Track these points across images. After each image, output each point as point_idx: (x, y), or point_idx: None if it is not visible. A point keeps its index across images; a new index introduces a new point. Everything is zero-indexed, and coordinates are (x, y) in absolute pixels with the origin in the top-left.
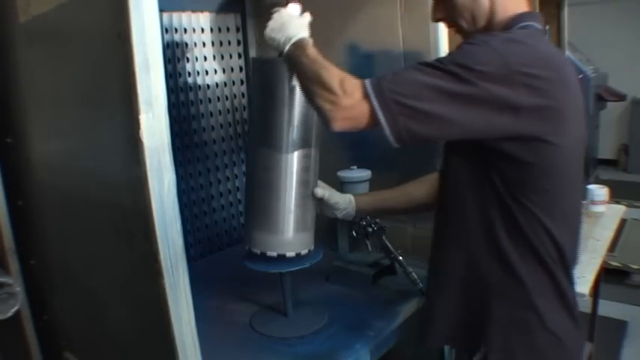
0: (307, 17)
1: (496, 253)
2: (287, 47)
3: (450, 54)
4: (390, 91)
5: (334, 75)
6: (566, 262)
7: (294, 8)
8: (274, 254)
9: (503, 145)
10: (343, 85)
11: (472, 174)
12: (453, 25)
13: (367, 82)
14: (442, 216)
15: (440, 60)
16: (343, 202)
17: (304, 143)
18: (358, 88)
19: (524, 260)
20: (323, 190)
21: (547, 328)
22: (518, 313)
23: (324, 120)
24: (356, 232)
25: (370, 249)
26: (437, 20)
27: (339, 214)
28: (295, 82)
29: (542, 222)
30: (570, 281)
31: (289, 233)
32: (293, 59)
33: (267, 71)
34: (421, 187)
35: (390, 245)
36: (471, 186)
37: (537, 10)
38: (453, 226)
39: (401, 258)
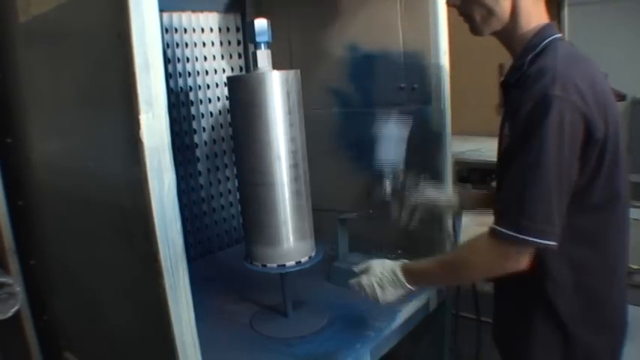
0: (395, 267)
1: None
2: (409, 287)
3: (524, 134)
4: (525, 219)
5: (462, 256)
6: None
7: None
8: (274, 265)
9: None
10: (479, 251)
11: None
12: (463, 14)
13: (503, 230)
14: None
15: (531, 147)
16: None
17: (291, 154)
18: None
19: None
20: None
21: None
22: None
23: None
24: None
25: (392, 215)
26: (451, 5)
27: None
28: None
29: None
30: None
31: (287, 244)
32: (424, 284)
33: (245, 90)
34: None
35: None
36: None
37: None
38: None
39: (400, 251)
